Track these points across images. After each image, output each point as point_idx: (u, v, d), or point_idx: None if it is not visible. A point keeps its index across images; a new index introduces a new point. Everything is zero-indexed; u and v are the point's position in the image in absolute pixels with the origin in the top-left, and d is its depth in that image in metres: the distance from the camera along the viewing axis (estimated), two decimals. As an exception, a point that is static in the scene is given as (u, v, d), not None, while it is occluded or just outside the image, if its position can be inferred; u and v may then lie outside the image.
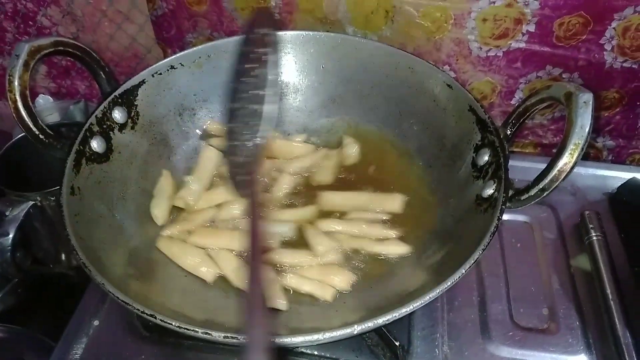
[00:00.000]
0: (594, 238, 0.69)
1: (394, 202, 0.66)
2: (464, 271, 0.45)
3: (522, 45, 0.74)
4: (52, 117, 0.95)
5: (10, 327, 0.72)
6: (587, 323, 0.63)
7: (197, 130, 0.73)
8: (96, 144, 0.59)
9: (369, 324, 0.42)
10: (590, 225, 0.70)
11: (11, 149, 0.76)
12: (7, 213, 0.68)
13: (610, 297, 0.63)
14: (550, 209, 0.77)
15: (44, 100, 0.97)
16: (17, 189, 0.69)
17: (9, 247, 0.67)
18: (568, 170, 0.48)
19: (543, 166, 0.77)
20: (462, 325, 0.63)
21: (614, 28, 0.70)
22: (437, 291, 0.44)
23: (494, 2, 0.69)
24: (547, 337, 0.62)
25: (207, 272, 0.58)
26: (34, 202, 0.70)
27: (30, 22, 0.88)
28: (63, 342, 0.61)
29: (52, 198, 0.70)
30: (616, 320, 0.61)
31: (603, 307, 0.63)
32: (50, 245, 0.79)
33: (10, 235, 0.67)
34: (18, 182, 0.70)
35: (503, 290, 0.67)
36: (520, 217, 0.75)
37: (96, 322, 0.62)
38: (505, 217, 0.52)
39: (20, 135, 0.76)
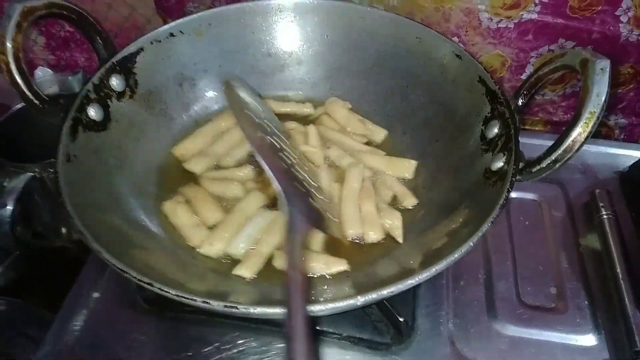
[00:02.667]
0: (605, 217, 0.67)
1: (408, 167, 0.66)
2: (471, 244, 0.44)
3: (534, 16, 0.71)
4: (51, 90, 0.93)
5: (10, 300, 0.71)
6: (596, 303, 0.62)
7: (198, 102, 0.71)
8: (93, 112, 0.58)
9: (373, 295, 0.40)
10: (601, 204, 0.69)
11: (9, 120, 0.74)
12: (5, 184, 0.67)
13: (620, 276, 0.61)
14: (559, 187, 0.75)
15: (42, 72, 0.95)
16: (16, 161, 0.68)
17: (8, 219, 0.66)
18: (582, 140, 0.46)
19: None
20: (468, 303, 0.62)
21: (631, -1, 0.67)
22: (444, 263, 0.43)
23: (506, -30, 0.67)
24: (555, 316, 0.61)
25: (211, 249, 0.57)
26: (33, 174, 0.68)
27: (28, -10, 0.85)
28: (62, 314, 0.60)
29: (51, 170, 0.68)
30: (626, 300, 0.59)
31: (613, 287, 0.61)
32: (50, 218, 0.77)
33: (9, 207, 0.66)
34: (17, 154, 0.68)
35: (510, 268, 0.66)
36: (528, 195, 0.73)
37: (96, 295, 0.61)
38: (513, 194, 0.50)
39: (18, 106, 0.74)
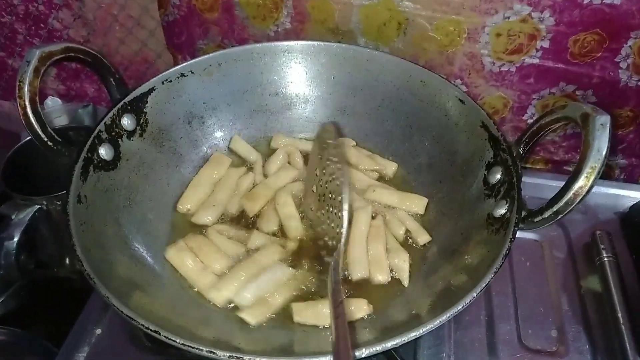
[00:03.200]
0: (605, 259, 0.68)
1: (419, 203, 0.67)
2: (474, 295, 0.44)
3: (536, 61, 0.73)
4: (61, 120, 0.95)
5: (12, 329, 0.71)
6: (597, 347, 0.62)
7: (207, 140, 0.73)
8: (104, 152, 0.59)
9: (377, 347, 0.41)
10: (602, 246, 0.69)
11: (19, 151, 0.75)
12: (13, 217, 0.68)
13: (621, 320, 0.61)
14: (560, 227, 0.75)
15: (52, 102, 0.97)
16: (24, 192, 0.69)
17: (14, 251, 0.67)
18: (583, 194, 0.47)
19: (554, 183, 0.79)
20: (469, 345, 0.62)
21: (629, 46, 0.69)
22: (447, 315, 0.43)
23: (508, 17, 0.68)
24: (556, 360, 0.61)
25: (218, 296, 0.57)
26: (40, 206, 0.69)
27: (42, 25, 0.88)
28: (65, 351, 0.60)
29: (58, 202, 0.69)
30: (627, 345, 0.59)
31: (614, 331, 0.62)
32: (54, 249, 0.78)
33: (15, 239, 0.67)
34: (25, 185, 0.70)
35: (511, 309, 0.66)
36: (529, 235, 0.74)
37: (98, 331, 0.61)
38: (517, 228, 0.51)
39: (28, 138, 0.76)
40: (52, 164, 0.67)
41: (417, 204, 0.67)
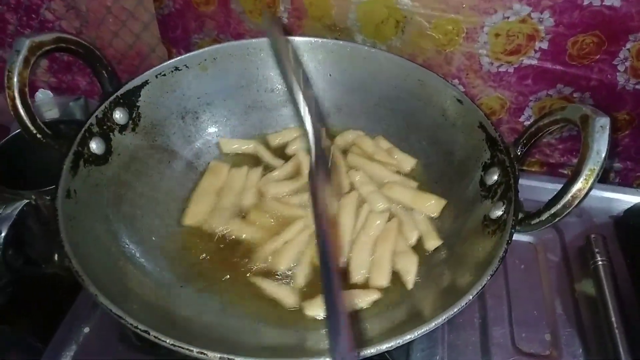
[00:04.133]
0: (600, 263, 0.68)
1: (436, 205, 0.65)
2: (470, 297, 0.44)
3: (534, 62, 0.72)
4: (51, 113, 0.93)
5: (-2, 326, 0.70)
6: (590, 351, 0.62)
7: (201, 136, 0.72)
8: (95, 146, 0.58)
9: (371, 350, 0.40)
10: (596, 250, 0.69)
11: (7, 144, 0.74)
12: (0, 211, 0.66)
13: (615, 325, 0.61)
14: (555, 230, 0.75)
15: (43, 95, 0.95)
16: (12, 186, 0.67)
17: (1, 247, 0.65)
18: (582, 196, 0.47)
19: (549, 186, 0.78)
20: (463, 348, 0.62)
21: (628, 49, 0.69)
22: (443, 317, 0.43)
23: (507, 18, 0.68)
24: (550, 364, 0.61)
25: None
26: (28, 201, 0.68)
27: (33, 15, 0.86)
28: (51, 349, 0.59)
29: (48, 197, 0.68)
30: (620, 350, 0.59)
31: (607, 336, 0.61)
32: (43, 245, 0.76)
33: (3, 234, 0.65)
34: (13, 178, 0.68)
35: (505, 312, 0.65)
36: (524, 238, 0.74)
37: (87, 329, 0.60)
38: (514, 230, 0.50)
39: (17, 131, 0.74)
40: (42, 157, 0.66)
41: (433, 205, 0.65)
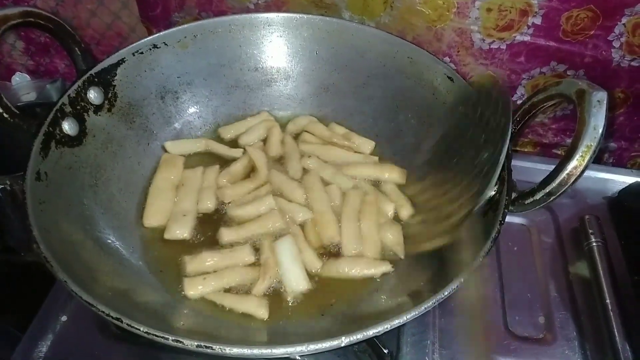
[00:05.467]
0: (594, 244, 0.66)
1: (399, 173, 0.66)
2: (462, 280, 0.42)
3: (527, 38, 0.70)
4: (29, 97, 0.90)
5: (-24, 316, 0.68)
6: (585, 333, 0.61)
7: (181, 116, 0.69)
8: (68, 126, 0.55)
9: (358, 336, 0.38)
10: (590, 231, 0.67)
11: (-20, 128, 0.70)
12: (-27, 197, 0.64)
13: (609, 307, 0.60)
14: (548, 211, 0.74)
15: (20, 79, 0.92)
16: (-15, 171, 0.64)
17: (-25, 235, 0.63)
18: (578, 174, 0.45)
19: (542, 166, 0.76)
20: (455, 332, 0.60)
21: (624, 24, 0.66)
22: (432, 301, 0.41)
23: (500, -9, 0.65)
24: (543, 348, 0.59)
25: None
26: (3, 186, 0.65)
27: (7, -6, 0.82)
28: (28, 338, 0.57)
29: (22, 182, 0.65)
30: (615, 332, 0.58)
31: (602, 318, 0.60)
32: (22, 232, 0.73)
33: (-24, 222, 0.63)
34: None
35: (498, 296, 0.64)
36: (517, 220, 0.72)
37: (64, 318, 0.58)
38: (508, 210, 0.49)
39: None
40: (17, 141, 0.63)
41: (397, 174, 0.66)
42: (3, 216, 0.70)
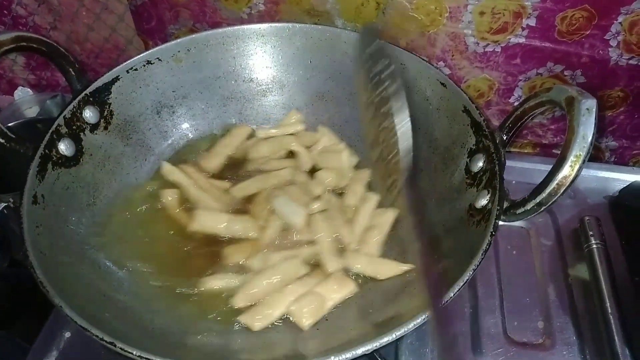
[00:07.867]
0: (594, 246, 0.65)
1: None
2: (452, 295, 0.42)
3: (522, 40, 0.69)
4: (31, 111, 0.91)
5: (-14, 330, 0.69)
6: (585, 338, 0.60)
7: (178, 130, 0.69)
8: (64, 147, 0.56)
9: (347, 355, 0.38)
10: (590, 233, 0.67)
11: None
12: (-23, 215, 0.65)
13: (609, 311, 0.59)
14: (548, 213, 0.73)
15: (22, 93, 0.93)
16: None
17: (-17, 251, 0.64)
18: (568, 183, 0.44)
19: (543, 167, 0.76)
20: (453, 339, 0.60)
21: (620, 23, 0.65)
22: (425, 316, 0.41)
23: (492, -6, 0.65)
24: (542, 353, 0.59)
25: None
26: (6, 204, 0.66)
27: (5, 11, 0.83)
28: (31, 355, 0.58)
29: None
30: (615, 336, 0.57)
31: (602, 322, 0.59)
32: (27, 246, 0.75)
33: (-18, 238, 0.64)
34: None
35: (497, 301, 0.64)
36: (516, 222, 0.71)
37: (68, 334, 0.59)
38: (501, 222, 0.48)
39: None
40: (20, 159, 0.64)
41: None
42: (9, 231, 0.71)
